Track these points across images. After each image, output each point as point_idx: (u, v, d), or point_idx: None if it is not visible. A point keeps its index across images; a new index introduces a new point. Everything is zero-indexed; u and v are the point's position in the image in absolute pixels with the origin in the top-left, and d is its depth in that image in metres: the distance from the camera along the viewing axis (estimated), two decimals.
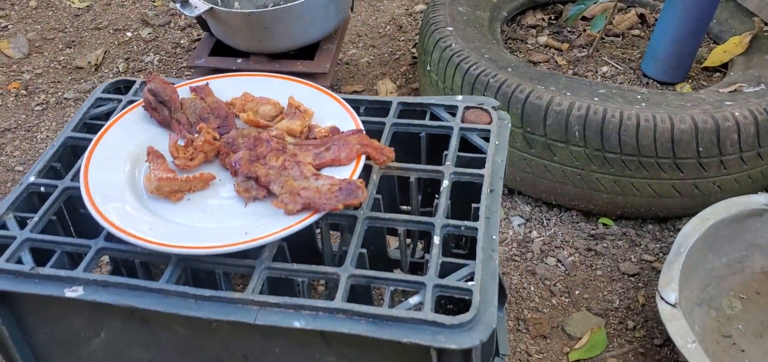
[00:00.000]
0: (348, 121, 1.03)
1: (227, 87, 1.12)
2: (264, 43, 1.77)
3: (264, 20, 1.72)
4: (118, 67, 2.25)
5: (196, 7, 1.73)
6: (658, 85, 1.76)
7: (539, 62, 1.85)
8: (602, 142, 1.45)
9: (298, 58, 1.86)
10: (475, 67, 1.60)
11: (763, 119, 1.45)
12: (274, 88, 1.12)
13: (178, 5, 1.75)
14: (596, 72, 1.80)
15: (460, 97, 1.15)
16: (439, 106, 1.13)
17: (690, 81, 1.77)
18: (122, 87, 1.20)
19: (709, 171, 1.47)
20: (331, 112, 1.06)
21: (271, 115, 1.07)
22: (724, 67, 1.77)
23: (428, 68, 1.76)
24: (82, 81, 2.19)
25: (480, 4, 1.90)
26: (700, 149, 1.43)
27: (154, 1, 2.60)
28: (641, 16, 2.00)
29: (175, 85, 1.08)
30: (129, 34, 2.42)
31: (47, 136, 1.96)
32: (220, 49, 1.90)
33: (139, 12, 2.53)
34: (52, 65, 2.26)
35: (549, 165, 1.54)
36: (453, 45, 1.68)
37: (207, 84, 1.11)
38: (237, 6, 2.02)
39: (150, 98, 1.05)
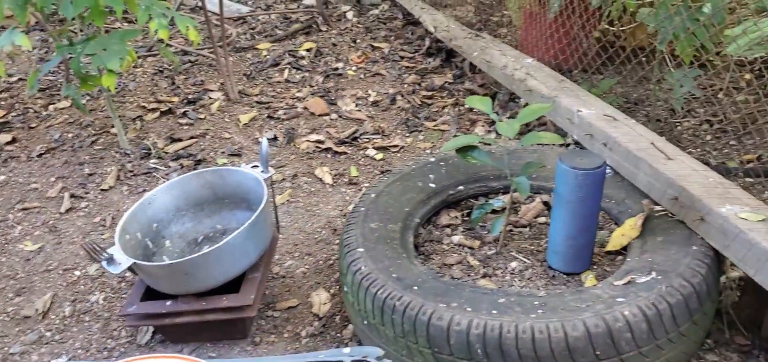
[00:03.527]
0: None
1: None
2: (187, 287, 1.86)
3: (184, 268, 1.82)
4: (64, 312, 2.32)
5: (120, 264, 1.83)
6: (564, 276, 1.85)
7: (452, 264, 1.95)
8: (503, 357, 1.51)
9: (224, 291, 1.94)
10: (382, 290, 1.69)
11: (652, 314, 1.52)
12: None
13: (104, 263, 1.85)
14: (506, 268, 1.89)
15: (346, 350, 1.23)
16: None
17: (594, 267, 1.86)
18: None
19: None
20: None
21: None
22: (625, 249, 1.87)
23: (346, 289, 1.84)
24: (28, 331, 2.25)
25: (392, 216, 2.02)
26: (598, 352, 1.49)
27: (102, 235, 2.71)
28: (546, 204, 2.12)
29: None
30: (77, 272, 2.51)
31: None
32: (151, 291, 1.98)
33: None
34: (1, 318, 2.34)
35: None
36: (362, 268, 1.78)
37: None
38: (168, 244, 2.12)
39: None
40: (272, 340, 2.04)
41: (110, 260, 1.85)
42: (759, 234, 1.57)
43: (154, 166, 3.13)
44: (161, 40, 3.97)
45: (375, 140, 3.17)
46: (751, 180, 2.41)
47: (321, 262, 2.39)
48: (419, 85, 3.68)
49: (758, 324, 1.83)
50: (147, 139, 3.38)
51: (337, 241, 2.48)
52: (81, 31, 3.23)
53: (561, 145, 2.35)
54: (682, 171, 1.83)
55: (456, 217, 2.16)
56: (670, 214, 1.84)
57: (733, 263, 1.68)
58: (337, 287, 2.24)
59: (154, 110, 3.68)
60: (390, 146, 3.11)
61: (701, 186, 1.76)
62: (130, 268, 1.90)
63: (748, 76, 3.04)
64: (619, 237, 1.86)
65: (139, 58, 4.31)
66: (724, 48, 2.07)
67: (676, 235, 1.77)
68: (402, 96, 3.56)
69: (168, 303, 1.93)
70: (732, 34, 2.03)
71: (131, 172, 3.11)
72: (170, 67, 4.20)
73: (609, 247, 1.89)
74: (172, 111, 3.63)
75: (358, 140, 3.19)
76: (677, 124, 2.94)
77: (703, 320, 1.66)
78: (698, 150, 2.74)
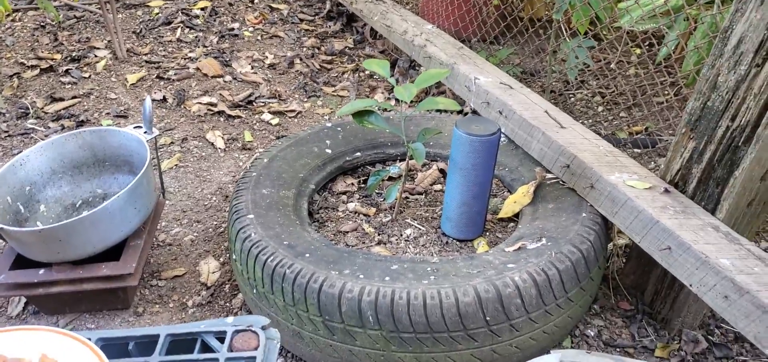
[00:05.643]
0: None
1: None
2: (62, 255, 1.72)
3: (58, 234, 1.68)
4: None
5: None
6: (458, 242, 1.84)
7: (347, 232, 1.90)
8: (395, 324, 1.48)
9: (104, 259, 1.82)
10: (272, 258, 1.62)
11: (541, 280, 1.53)
12: (29, 344, 1.08)
13: None
14: (401, 235, 1.86)
15: (230, 320, 1.16)
16: (209, 333, 1.14)
17: (486, 234, 1.86)
18: None
19: (501, 336, 1.52)
20: None
21: None
22: (517, 216, 1.88)
23: (234, 257, 1.76)
24: None
25: (285, 182, 1.94)
26: (488, 318, 1.49)
27: None
28: (442, 171, 2.10)
29: None
30: None
31: None
32: (22, 259, 1.83)
33: None
34: None
35: (353, 349, 1.55)
36: (252, 235, 1.70)
37: None
38: (42, 209, 1.96)
39: None
40: (157, 310, 1.93)
41: None
42: (645, 201, 1.61)
43: (31, 126, 2.90)
44: None
45: (271, 104, 3.06)
46: (638, 150, 2.49)
47: (210, 230, 2.29)
48: (318, 48, 3.59)
49: (641, 290, 1.89)
50: (25, 97, 3.13)
51: (229, 208, 2.38)
52: None
53: (458, 113, 2.34)
54: (575, 139, 1.85)
55: (352, 184, 2.11)
56: (561, 182, 1.86)
57: (620, 230, 1.72)
58: (228, 255, 2.15)
59: (33, 67, 3.41)
60: (287, 111, 3.01)
61: (592, 155, 1.78)
62: None
63: (638, 51, 3.14)
64: (512, 204, 1.87)
65: (16, 11, 3.99)
66: (617, 19, 2.11)
67: (566, 203, 1.80)
68: (300, 59, 3.47)
69: (41, 271, 1.79)
70: (625, 5, 2.06)
71: (6, 132, 2.87)
72: (52, 22, 3.91)
73: (501, 215, 1.89)
74: (53, 69, 3.38)
75: (254, 104, 3.07)
76: (571, 95, 3.01)
77: (591, 286, 1.69)
78: (590, 121, 2.81)
